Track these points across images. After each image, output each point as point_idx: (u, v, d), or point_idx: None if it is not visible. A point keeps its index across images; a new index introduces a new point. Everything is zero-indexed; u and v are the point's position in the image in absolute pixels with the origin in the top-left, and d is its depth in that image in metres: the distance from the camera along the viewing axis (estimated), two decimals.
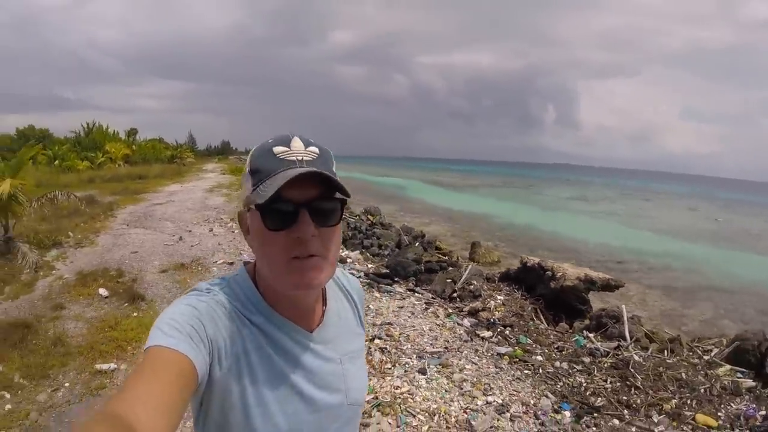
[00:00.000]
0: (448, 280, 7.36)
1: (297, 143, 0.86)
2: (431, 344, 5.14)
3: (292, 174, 0.79)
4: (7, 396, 3.93)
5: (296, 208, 0.83)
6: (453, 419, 3.70)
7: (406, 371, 4.46)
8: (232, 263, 8.31)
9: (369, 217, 14.74)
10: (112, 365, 4.43)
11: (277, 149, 0.85)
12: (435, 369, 4.55)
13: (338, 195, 0.87)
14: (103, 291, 6.45)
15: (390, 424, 3.56)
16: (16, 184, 8.09)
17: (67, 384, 4.13)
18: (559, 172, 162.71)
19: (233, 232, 11.32)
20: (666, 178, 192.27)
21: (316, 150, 0.87)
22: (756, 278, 13.32)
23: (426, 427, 3.57)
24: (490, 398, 4.11)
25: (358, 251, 9.71)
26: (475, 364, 4.78)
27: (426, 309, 6.23)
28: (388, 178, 52.30)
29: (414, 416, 3.70)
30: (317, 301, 1.00)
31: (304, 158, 0.84)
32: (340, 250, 7.93)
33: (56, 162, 28.98)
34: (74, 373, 4.31)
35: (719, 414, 4.30)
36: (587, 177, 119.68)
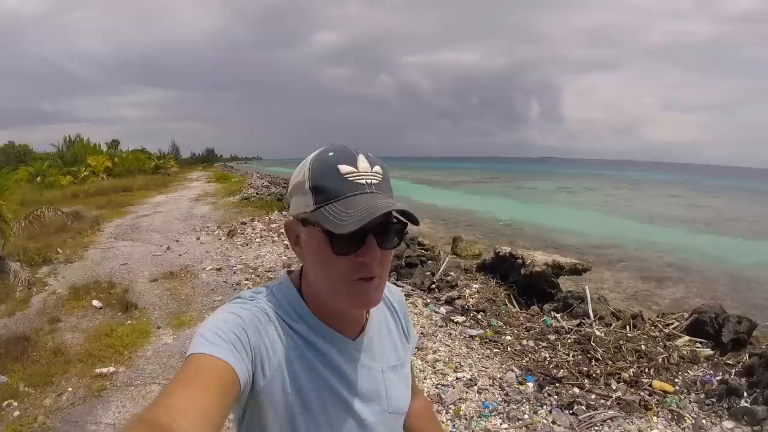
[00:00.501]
0: (428, 273, 7.76)
1: (363, 163, 0.85)
2: None
3: (376, 211, 0.78)
4: (15, 404, 4.22)
5: (364, 234, 0.83)
6: (425, 394, 4.08)
7: None
8: (219, 269, 8.61)
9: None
10: (111, 368, 4.74)
11: (344, 169, 0.83)
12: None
13: (399, 218, 0.88)
14: (96, 302, 6.73)
15: None
16: (2, 205, 8.33)
17: (70, 388, 4.44)
18: (544, 166, 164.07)
19: (220, 239, 11.63)
20: (650, 168, 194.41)
21: (380, 170, 0.87)
22: (727, 259, 13.81)
23: None
24: (460, 375, 4.51)
25: None
26: (448, 345, 5.19)
27: (405, 300, 6.60)
28: None
29: None
30: (361, 311, 1.01)
31: (372, 181, 0.84)
32: None
33: (38, 179, 28.99)
34: (76, 378, 4.62)
35: (676, 380, 4.71)
36: (572, 170, 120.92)
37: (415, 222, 0.87)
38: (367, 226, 0.79)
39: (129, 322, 6.06)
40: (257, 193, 22.83)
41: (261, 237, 11.61)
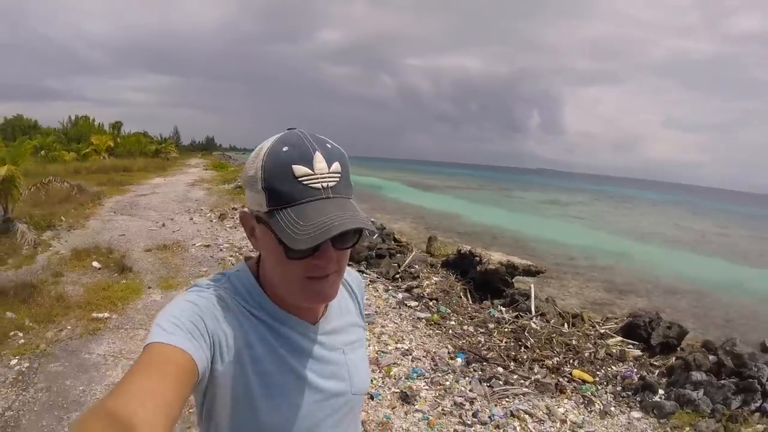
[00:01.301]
0: (394, 264, 8.56)
1: (320, 163, 0.81)
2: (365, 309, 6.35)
3: (331, 230, 0.77)
4: (20, 334, 4.99)
5: None
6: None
7: None
8: (208, 246, 9.41)
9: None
10: (106, 314, 5.55)
11: (298, 170, 0.80)
12: None
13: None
14: (95, 264, 7.53)
15: None
16: (13, 169, 9.12)
17: (69, 327, 5.23)
18: (539, 177, 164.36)
19: (211, 221, 12.42)
20: (646, 186, 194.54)
21: (339, 168, 0.83)
22: (696, 276, 14.30)
23: None
24: (399, 345, 5.31)
25: None
26: (396, 323, 6.00)
27: (368, 285, 7.40)
28: (368, 177, 53.48)
29: None
30: None
31: (330, 184, 0.82)
32: None
33: (42, 152, 29.63)
34: (75, 319, 5.41)
35: (598, 373, 5.34)
36: (567, 183, 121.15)
37: (371, 231, 0.84)
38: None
39: (124, 281, 6.86)
40: None
41: None
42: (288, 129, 0.88)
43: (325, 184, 0.81)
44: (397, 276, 8.10)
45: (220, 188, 21.44)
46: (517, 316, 6.63)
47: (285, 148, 0.82)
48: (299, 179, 0.80)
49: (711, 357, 5.45)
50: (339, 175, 0.83)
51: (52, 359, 4.52)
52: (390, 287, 7.53)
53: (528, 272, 8.08)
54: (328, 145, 0.85)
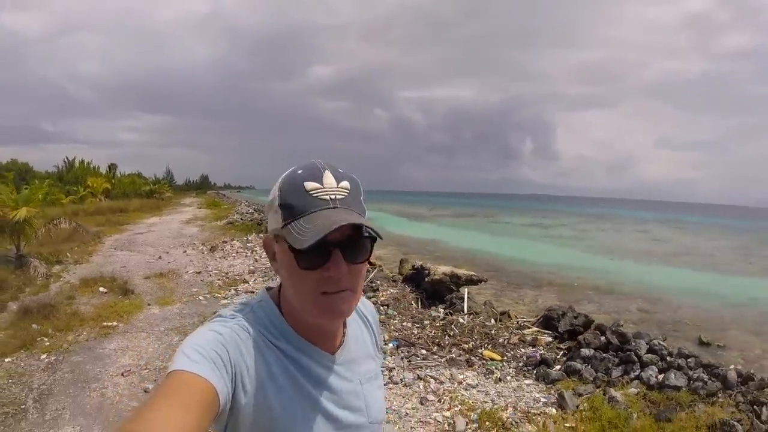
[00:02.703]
0: None
1: (329, 179, 0.88)
2: None
3: (331, 225, 0.82)
4: (45, 339, 6.32)
5: (329, 248, 0.86)
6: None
7: None
8: (199, 272, 10.79)
9: None
10: (114, 323, 6.92)
11: (309, 185, 0.87)
12: None
13: (369, 232, 0.90)
14: (102, 289, 8.86)
15: None
16: (32, 212, 10.53)
17: (84, 333, 6.58)
18: (534, 203, 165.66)
19: (203, 253, 13.82)
20: (641, 206, 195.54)
21: (347, 185, 0.90)
22: (656, 285, 15.23)
23: None
24: None
25: None
26: None
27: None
28: None
29: None
30: (339, 325, 1.04)
31: (337, 196, 0.88)
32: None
33: (40, 196, 30.79)
34: (89, 328, 6.76)
35: (507, 354, 6.66)
36: (559, 206, 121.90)
37: (377, 235, 0.90)
38: (330, 240, 0.84)
39: (127, 300, 8.21)
40: (241, 219, 25.06)
41: (237, 252, 13.85)
42: None
43: (333, 196, 0.87)
44: None
45: (213, 225, 22.88)
46: (449, 314, 7.98)
47: (299, 171, 0.90)
48: (309, 192, 0.86)
49: (602, 338, 6.81)
50: (347, 191, 0.89)
51: (73, 354, 5.86)
52: None
53: (470, 281, 9.46)
54: (340, 170, 0.92)
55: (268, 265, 11.71)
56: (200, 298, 8.61)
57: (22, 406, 4.57)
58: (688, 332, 9.79)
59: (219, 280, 10.08)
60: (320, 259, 0.86)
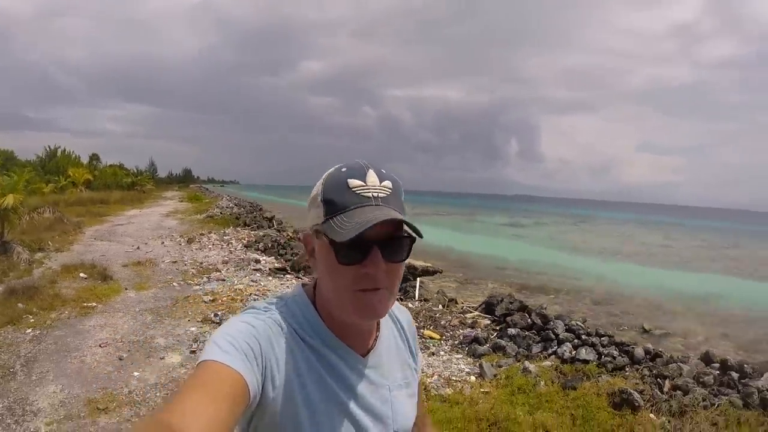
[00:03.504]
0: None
1: (372, 177, 0.90)
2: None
3: (374, 219, 0.83)
4: (30, 317, 6.97)
5: (368, 245, 0.86)
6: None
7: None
8: (175, 262, 11.48)
9: (289, 233, 18.11)
10: (93, 304, 7.60)
11: (353, 183, 0.88)
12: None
13: (408, 232, 0.91)
14: (82, 275, 9.50)
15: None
16: (18, 199, 11.12)
17: (66, 311, 7.25)
18: (517, 203, 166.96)
19: (180, 245, 14.46)
20: (621, 207, 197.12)
21: (390, 184, 0.91)
22: (615, 280, 15.99)
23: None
24: None
25: (273, 257, 12.94)
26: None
27: (292, 283, 9.53)
28: None
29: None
30: (372, 327, 1.04)
31: (380, 194, 0.89)
32: (260, 253, 11.15)
33: (22, 184, 31.04)
34: (70, 308, 7.43)
35: (446, 333, 7.48)
36: (542, 207, 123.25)
37: (418, 234, 0.91)
38: (369, 237, 0.85)
39: (106, 285, 8.87)
40: (221, 213, 25.70)
41: (213, 244, 14.55)
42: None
43: (375, 194, 0.88)
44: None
45: (192, 218, 23.50)
46: (400, 299, 8.78)
47: (344, 169, 0.91)
48: (353, 189, 0.88)
49: (529, 319, 7.68)
50: (390, 190, 0.91)
51: (56, 329, 6.54)
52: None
53: (426, 272, 10.30)
54: (383, 170, 0.93)
55: (243, 255, 12.49)
56: (174, 284, 9.27)
57: (11, 369, 5.25)
58: (635, 321, 10.57)
59: (193, 269, 10.76)
60: (359, 255, 0.87)
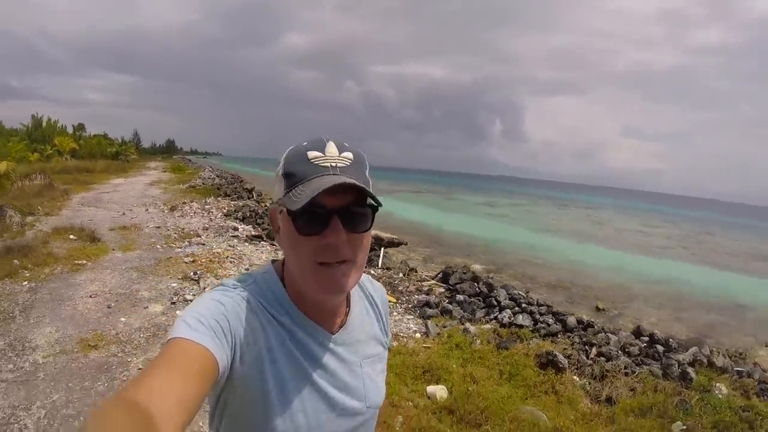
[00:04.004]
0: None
1: (331, 148, 0.90)
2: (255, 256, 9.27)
3: (326, 184, 0.83)
4: (26, 272, 7.71)
5: (328, 214, 0.86)
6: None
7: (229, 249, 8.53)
8: (158, 227, 12.24)
9: (266, 204, 18.93)
10: (83, 261, 8.37)
11: (312, 154, 0.89)
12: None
13: (370, 202, 0.91)
14: (72, 236, 10.22)
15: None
16: (11, 166, 11.76)
17: (59, 268, 8.00)
18: (497, 183, 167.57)
19: (163, 212, 15.19)
20: (603, 192, 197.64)
21: (350, 155, 0.91)
22: (583, 262, 16.66)
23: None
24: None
25: (251, 226, 13.73)
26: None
27: (266, 248, 10.35)
28: None
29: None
30: (341, 304, 1.05)
31: (338, 164, 0.88)
32: (238, 222, 11.91)
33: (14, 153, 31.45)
34: (62, 264, 8.18)
35: (402, 298, 8.31)
36: (523, 188, 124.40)
37: (377, 202, 0.91)
38: (329, 206, 0.86)
39: (95, 246, 9.63)
40: (203, 183, 26.39)
41: (194, 212, 15.32)
42: None
43: (333, 164, 0.88)
44: None
45: (175, 188, 24.14)
46: None
47: (304, 143, 0.92)
48: (311, 160, 0.88)
49: (477, 287, 8.59)
50: (350, 161, 0.90)
51: (50, 282, 7.32)
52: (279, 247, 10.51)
53: (392, 243, 11.15)
54: (346, 144, 0.93)
55: (222, 223, 13.28)
56: (158, 247, 10.04)
57: (10, 314, 6.01)
58: (590, 301, 11.27)
59: (175, 234, 11.51)
60: (318, 226, 0.87)
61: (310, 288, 0.92)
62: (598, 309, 10.52)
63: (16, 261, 8.06)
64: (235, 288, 0.95)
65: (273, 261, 1.05)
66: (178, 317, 0.85)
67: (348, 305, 1.08)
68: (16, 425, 3.70)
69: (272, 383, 0.91)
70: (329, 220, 0.87)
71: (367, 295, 1.17)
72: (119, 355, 5.09)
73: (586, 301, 11.35)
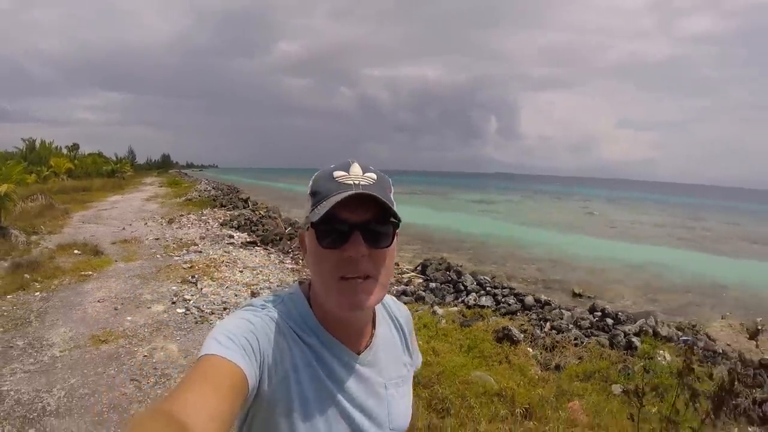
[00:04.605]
0: (288, 242, 12.23)
1: (356, 168, 0.93)
2: (249, 260, 9.98)
3: (346, 194, 0.86)
4: (37, 284, 8.40)
5: (349, 229, 0.88)
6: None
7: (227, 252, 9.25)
8: (157, 239, 12.94)
9: (260, 211, 19.65)
10: (89, 272, 9.06)
11: (337, 173, 0.92)
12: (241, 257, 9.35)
13: (392, 219, 0.92)
14: (76, 251, 10.91)
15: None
16: (11, 188, 12.45)
17: (66, 279, 8.69)
18: (494, 181, 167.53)
19: (161, 225, 15.90)
20: (600, 184, 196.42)
21: (374, 176, 0.94)
22: (567, 251, 17.25)
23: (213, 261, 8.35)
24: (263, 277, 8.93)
25: (246, 233, 14.44)
26: (263, 264, 9.63)
27: (260, 253, 11.05)
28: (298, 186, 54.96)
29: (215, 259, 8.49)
30: (367, 324, 1.05)
31: (361, 182, 0.91)
32: (234, 230, 12.67)
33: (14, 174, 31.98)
34: (70, 276, 8.87)
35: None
36: (519, 185, 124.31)
37: (397, 218, 0.93)
38: (351, 221, 0.89)
39: (98, 258, 10.33)
40: (199, 195, 27.11)
41: (191, 223, 16.07)
42: None
43: (357, 182, 0.91)
44: (288, 250, 11.80)
45: (172, 202, 24.84)
46: None
47: (332, 165, 0.95)
48: (336, 179, 0.91)
49: (447, 274, 9.31)
50: (373, 180, 0.93)
51: (60, 291, 8.01)
52: (272, 252, 11.21)
53: None
54: (371, 166, 0.96)
55: (218, 232, 13.99)
56: (158, 256, 10.74)
57: (27, 320, 6.68)
58: (569, 286, 11.82)
59: (174, 244, 12.22)
60: (340, 240, 0.89)
61: (333, 304, 0.93)
62: (574, 294, 10.98)
63: (26, 275, 8.74)
64: (263, 308, 0.97)
65: (300, 282, 1.06)
66: (209, 335, 0.87)
67: (374, 325, 1.09)
68: (39, 404, 4.39)
69: (297, 403, 0.92)
70: (350, 234, 0.89)
71: (391, 316, 1.18)
72: (127, 346, 5.78)
73: (565, 286, 11.85)
